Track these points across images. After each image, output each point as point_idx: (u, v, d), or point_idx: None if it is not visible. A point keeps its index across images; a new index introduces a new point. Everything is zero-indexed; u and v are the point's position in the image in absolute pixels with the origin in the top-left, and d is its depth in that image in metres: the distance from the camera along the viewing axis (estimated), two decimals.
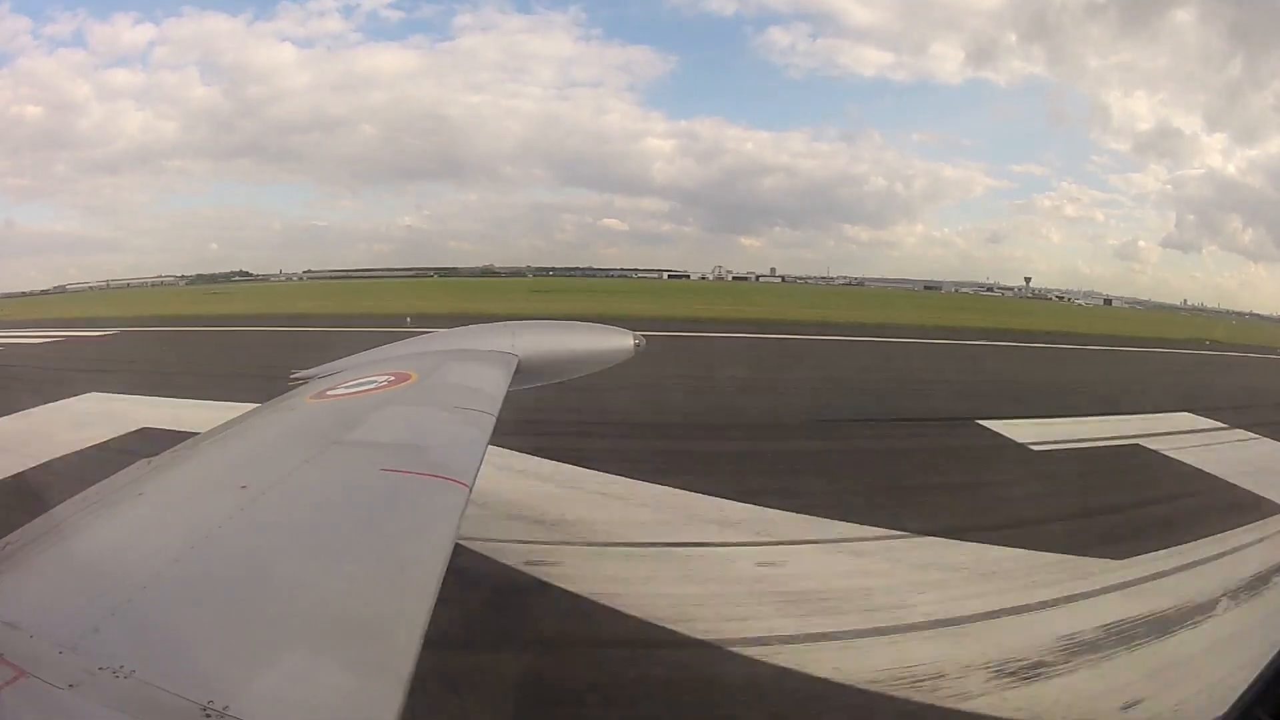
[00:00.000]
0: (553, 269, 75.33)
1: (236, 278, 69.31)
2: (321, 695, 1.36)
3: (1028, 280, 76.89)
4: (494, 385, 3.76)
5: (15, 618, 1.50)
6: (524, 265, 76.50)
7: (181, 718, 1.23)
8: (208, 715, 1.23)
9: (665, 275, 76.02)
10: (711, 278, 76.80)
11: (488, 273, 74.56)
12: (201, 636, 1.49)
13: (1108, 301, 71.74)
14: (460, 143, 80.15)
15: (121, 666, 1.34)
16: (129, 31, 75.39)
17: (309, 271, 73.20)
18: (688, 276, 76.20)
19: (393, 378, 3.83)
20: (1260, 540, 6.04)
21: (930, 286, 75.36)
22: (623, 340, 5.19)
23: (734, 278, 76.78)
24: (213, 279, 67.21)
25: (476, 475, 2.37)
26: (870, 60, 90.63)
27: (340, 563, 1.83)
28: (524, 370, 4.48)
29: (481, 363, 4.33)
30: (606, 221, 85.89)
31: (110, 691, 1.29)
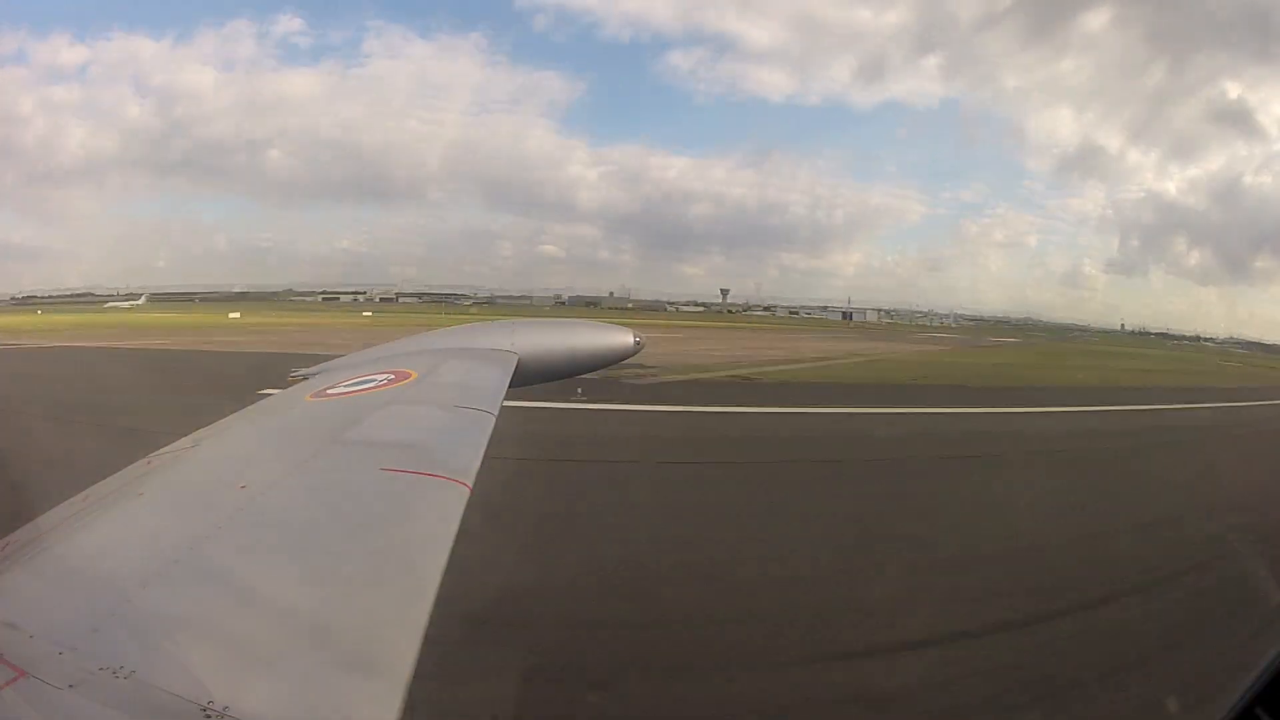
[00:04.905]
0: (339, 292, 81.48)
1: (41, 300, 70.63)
2: (321, 695, 1.36)
3: (724, 291, 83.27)
4: (494, 384, 3.76)
5: (15, 618, 1.50)
6: (319, 289, 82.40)
7: (181, 718, 1.23)
8: (207, 715, 1.23)
9: (321, 298, 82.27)
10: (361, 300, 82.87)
11: (283, 294, 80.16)
12: (201, 636, 1.49)
13: (847, 316, 73.29)
14: (382, 166, 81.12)
15: (121, 667, 1.33)
16: (66, 50, 78.95)
17: (147, 289, 75.29)
18: (337, 297, 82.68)
19: (392, 376, 3.83)
20: None
21: (562, 303, 78.51)
22: (623, 338, 5.19)
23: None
24: (48, 299, 68.74)
25: (476, 475, 2.36)
26: (776, 85, 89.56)
27: (340, 562, 1.83)
28: (524, 369, 4.48)
29: (482, 361, 4.33)
30: (545, 248, 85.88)
31: (110, 691, 1.29)
